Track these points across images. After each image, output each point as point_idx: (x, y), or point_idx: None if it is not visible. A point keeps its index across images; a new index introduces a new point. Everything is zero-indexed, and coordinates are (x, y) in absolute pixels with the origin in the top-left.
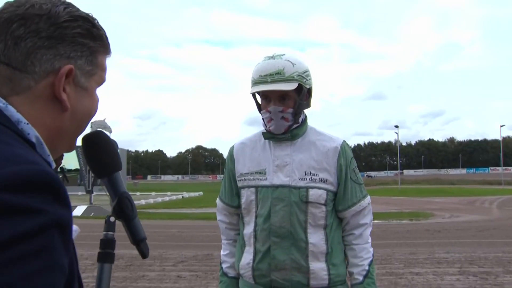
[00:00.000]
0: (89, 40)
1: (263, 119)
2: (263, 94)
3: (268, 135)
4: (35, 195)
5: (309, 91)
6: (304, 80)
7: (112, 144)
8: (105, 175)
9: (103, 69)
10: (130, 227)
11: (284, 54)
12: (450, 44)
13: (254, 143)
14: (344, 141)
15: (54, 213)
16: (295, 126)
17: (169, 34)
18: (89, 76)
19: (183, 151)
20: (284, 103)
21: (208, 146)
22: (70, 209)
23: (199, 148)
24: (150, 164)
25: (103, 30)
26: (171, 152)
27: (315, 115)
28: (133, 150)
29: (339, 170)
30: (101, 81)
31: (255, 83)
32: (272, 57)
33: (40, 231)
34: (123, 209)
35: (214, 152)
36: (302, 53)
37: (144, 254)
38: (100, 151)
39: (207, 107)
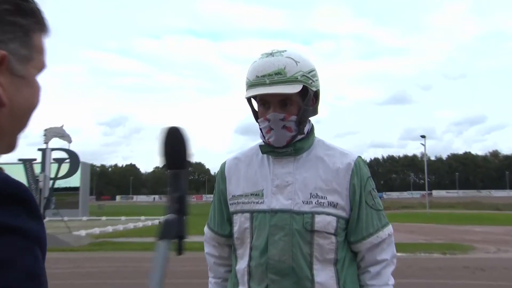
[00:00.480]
0: (20, 17)
1: (260, 129)
2: (260, 98)
3: (267, 148)
4: (9, 210)
5: (316, 95)
6: (310, 81)
7: (189, 145)
8: (176, 168)
9: (41, 51)
10: (182, 221)
11: (285, 51)
12: (491, 34)
13: (249, 158)
14: (359, 156)
15: (33, 230)
16: (299, 137)
17: (144, 23)
18: (26, 61)
19: (160, 165)
20: (286, 109)
21: (192, 159)
22: (42, 221)
23: None
24: (120, 181)
25: (34, 2)
26: (146, 167)
27: (321, 123)
28: (99, 165)
29: (352, 192)
30: (41, 66)
31: (251, 85)
32: (271, 54)
33: (28, 252)
34: (182, 206)
35: (199, 167)
36: (307, 46)
37: (181, 251)
38: (182, 145)
39: (190, 113)
